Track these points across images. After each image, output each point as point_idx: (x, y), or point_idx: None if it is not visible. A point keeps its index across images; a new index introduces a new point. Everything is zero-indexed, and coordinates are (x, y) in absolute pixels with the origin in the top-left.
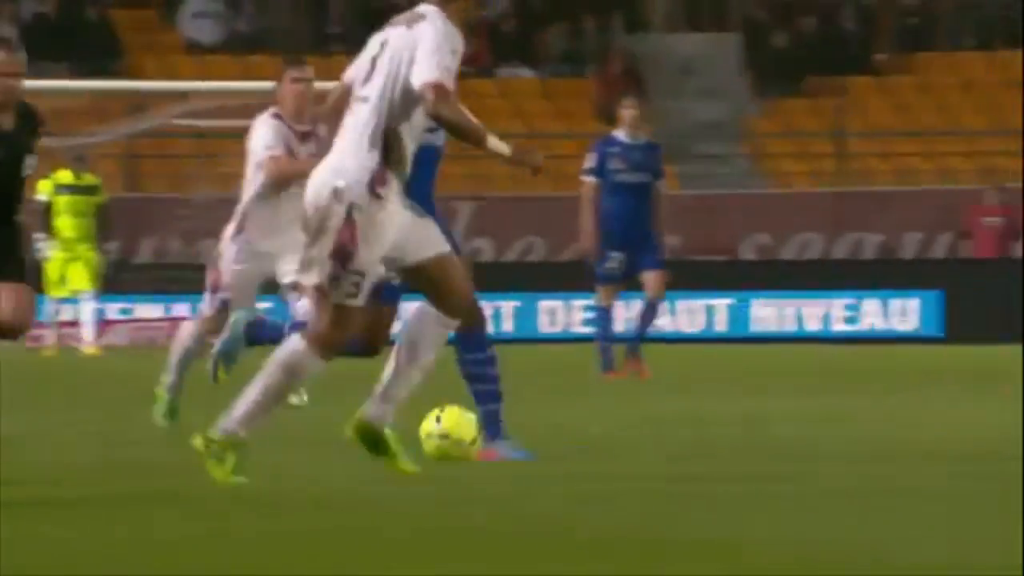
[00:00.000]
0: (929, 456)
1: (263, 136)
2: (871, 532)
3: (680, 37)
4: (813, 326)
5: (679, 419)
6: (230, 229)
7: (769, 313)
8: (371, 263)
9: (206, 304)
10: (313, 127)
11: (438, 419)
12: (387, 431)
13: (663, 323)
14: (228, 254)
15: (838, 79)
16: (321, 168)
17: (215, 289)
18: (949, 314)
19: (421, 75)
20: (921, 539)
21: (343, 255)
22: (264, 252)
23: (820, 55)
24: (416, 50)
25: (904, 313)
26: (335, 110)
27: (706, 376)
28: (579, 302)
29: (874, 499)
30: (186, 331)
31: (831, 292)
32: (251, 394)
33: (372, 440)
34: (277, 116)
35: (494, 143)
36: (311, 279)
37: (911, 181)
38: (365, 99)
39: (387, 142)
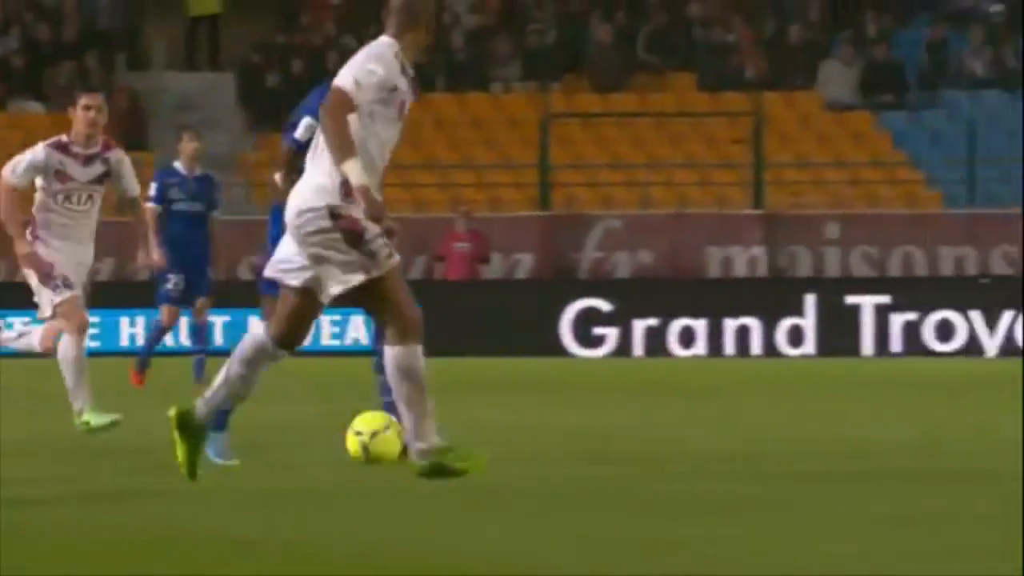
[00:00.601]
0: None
1: (19, 159)
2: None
3: (179, 75)
4: (304, 341)
5: None
6: (27, 240)
7: None
8: (375, 227)
9: (52, 302)
10: (102, 151)
11: (366, 445)
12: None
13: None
14: (40, 250)
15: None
16: (298, 189)
17: (50, 278)
18: (426, 330)
19: (335, 81)
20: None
21: (356, 236)
22: (65, 250)
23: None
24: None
25: None
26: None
27: None
28: (123, 319)
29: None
30: (66, 349)
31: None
32: (406, 419)
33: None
34: (55, 144)
35: (351, 168)
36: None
37: (389, 209)
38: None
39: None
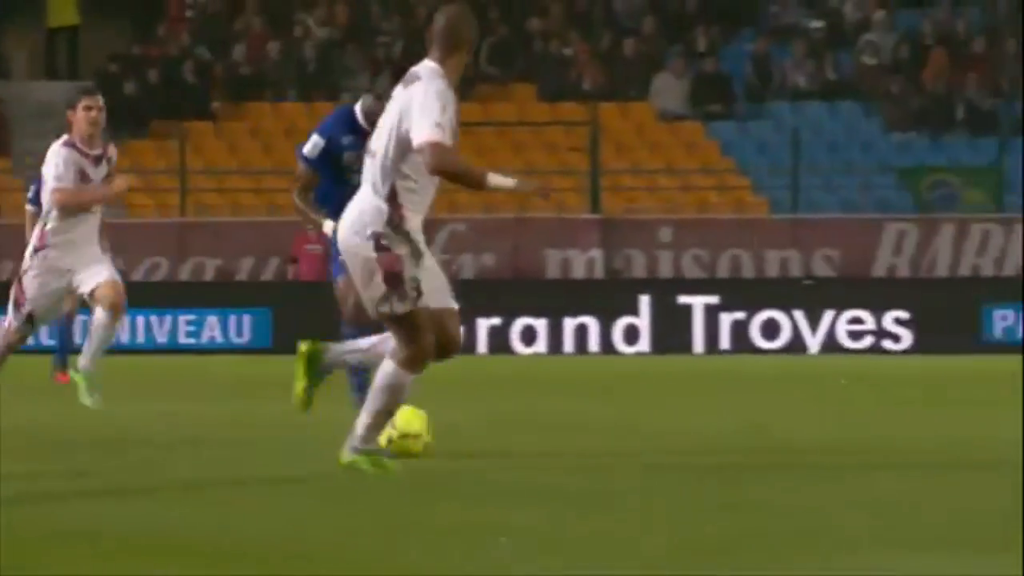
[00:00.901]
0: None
1: (53, 167)
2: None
3: (40, 84)
4: (162, 339)
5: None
6: (31, 247)
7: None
8: (420, 271)
9: (11, 318)
10: (104, 151)
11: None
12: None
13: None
14: (29, 270)
15: (180, 124)
16: (345, 217)
17: (18, 305)
18: (276, 329)
19: (418, 136)
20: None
21: (393, 276)
22: (63, 268)
23: (164, 103)
24: (410, 109)
25: (240, 328)
26: None
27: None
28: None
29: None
30: None
31: (177, 310)
32: (364, 419)
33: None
34: (68, 144)
35: (496, 180)
36: (374, 313)
37: (244, 213)
38: (372, 153)
39: (394, 188)
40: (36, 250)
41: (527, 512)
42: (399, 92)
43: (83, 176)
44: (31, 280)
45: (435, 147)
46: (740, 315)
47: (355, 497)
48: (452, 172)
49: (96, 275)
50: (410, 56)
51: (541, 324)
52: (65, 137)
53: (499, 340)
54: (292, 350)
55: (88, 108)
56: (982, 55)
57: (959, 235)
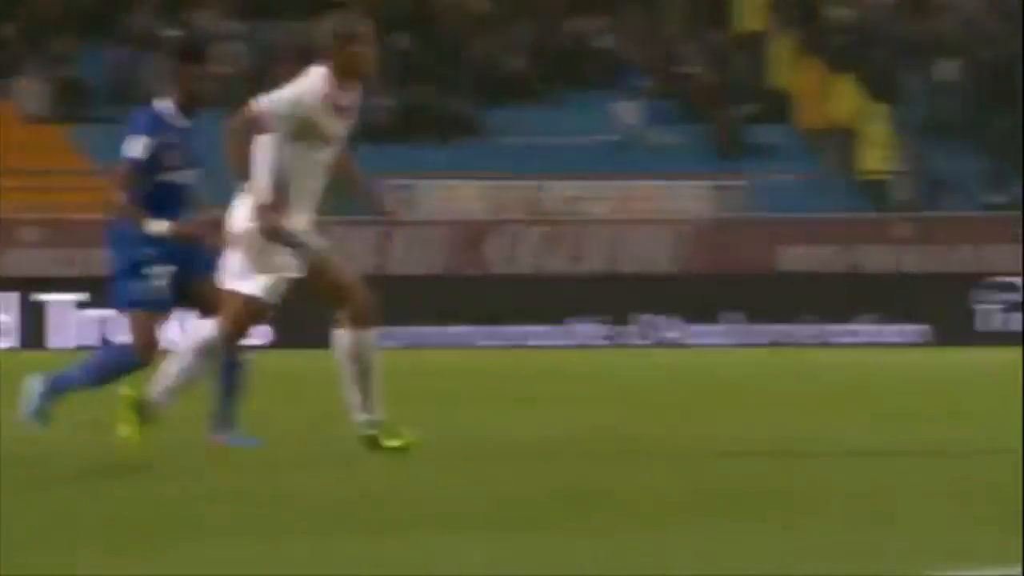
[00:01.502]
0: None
1: None
2: None
3: None
4: None
5: None
6: None
7: None
8: (282, 266)
9: None
10: None
11: None
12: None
13: None
14: None
15: None
16: (239, 204)
17: None
18: None
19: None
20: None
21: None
22: None
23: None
24: None
25: None
26: None
27: None
28: None
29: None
30: None
31: None
32: (171, 369)
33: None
34: None
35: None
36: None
37: None
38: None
39: (281, 177)
40: None
41: (98, 507)
42: None
43: None
44: None
45: (244, 109)
46: None
47: None
48: (230, 139)
49: None
50: None
51: None
52: None
53: None
54: None
55: None
56: None
57: None
